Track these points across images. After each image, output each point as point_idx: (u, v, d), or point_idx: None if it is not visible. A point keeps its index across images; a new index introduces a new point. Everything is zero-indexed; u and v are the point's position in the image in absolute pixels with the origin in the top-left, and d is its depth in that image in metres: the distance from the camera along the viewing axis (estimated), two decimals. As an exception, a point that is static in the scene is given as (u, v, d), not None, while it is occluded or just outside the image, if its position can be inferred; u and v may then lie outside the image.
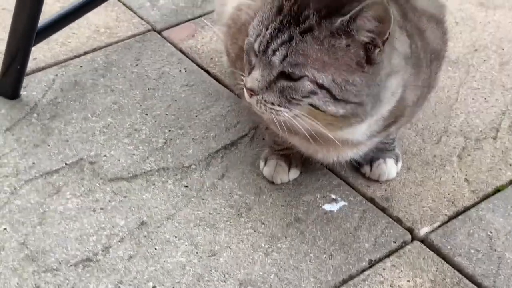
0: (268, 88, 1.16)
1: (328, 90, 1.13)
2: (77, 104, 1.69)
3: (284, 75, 1.14)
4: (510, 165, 1.55)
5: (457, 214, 1.44)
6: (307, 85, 1.13)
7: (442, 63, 1.45)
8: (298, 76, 1.13)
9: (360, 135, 1.29)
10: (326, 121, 1.19)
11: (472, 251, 1.36)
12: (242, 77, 1.25)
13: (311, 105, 1.15)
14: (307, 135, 1.22)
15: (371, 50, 1.13)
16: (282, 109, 1.16)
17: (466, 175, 1.53)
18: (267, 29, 1.15)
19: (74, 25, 1.89)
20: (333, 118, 1.18)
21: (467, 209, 1.45)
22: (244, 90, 1.20)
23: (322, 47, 1.12)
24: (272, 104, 1.16)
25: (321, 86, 1.13)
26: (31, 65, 1.73)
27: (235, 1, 1.44)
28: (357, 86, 1.14)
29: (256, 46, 1.16)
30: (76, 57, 1.84)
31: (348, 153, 1.37)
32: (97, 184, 1.48)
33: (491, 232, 1.40)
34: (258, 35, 1.16)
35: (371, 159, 1.50)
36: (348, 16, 1.10)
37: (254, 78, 1.16)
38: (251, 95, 1.18)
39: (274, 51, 1.13)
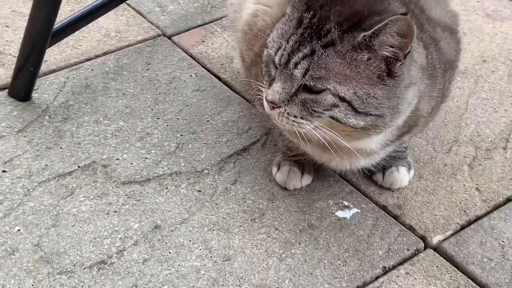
0: (290, 101, 1.16)
1: (349, 103, 1.14)
2: (89, 107, 1.69)
3: (305, 88, 1.14)
4: (520, 175, 1.56)
5: (469, 223, 1.45)
6: (329, 98, 1.14)
7: (455, 73, 1.46)
8: (319, 89, 1.13)
9: (374, 144, 1.30)
10: (345, 132, 1.20)
11: (485, 260, 1.37)
12: (261, 88, 1.25)
13: (332, 117, 1.16)
14: (324, 144, 1.22)
15: (392, 63, 1.14)
16: (304, 121, 1.17)
17: (477, 184, 1.54)
18: (287, 42, 1.15)
19: (84, 28, 1.90)
20: (352, 130, 1.19)
21: (479, 218, 1.46)
22: (264, 102, 1.20)
23: (344, 61, 1.12)
24: (295, 116, 1.16)
25: (342, 99, 1.13)
26: (42, 68, 1.72)
27: (251, 8, 1.45)
28: (378, 99, 1.15)
29: (276, 59, 1.16)
30: (87, 60, 1.84)
31: (361, 162, 1.38)
32: (110, 187, 1.48)
33: (503, 241, 1.41)
34: (278, 48, 1.16)
35: (384, 167, 1.50)
36: (371, 31, 1.10)
37: (275, 91, 1.16)
38: (272, 108, 1.18)
39: (296, 65, 1.13)
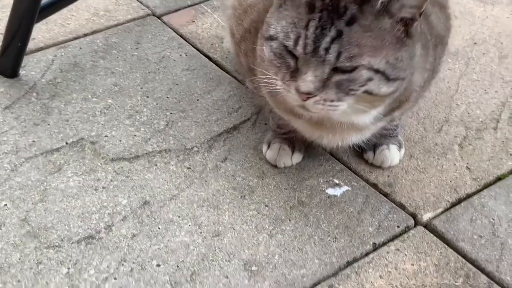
0: (324, 87, 1.12)
1: (383, 73, 1.12)
2: (77, 84, 1.67)
3: (336, 69, 1.12)
4: (510, 154, 1.56)
5: (460, 201, 1.45)
6: (364, 74, 1.11)
7: (445, 49, 1.46)
8: (353, 67, 1.11)
9: (368, 118, 1.29)
10: (369, 103, 1.19)
11: (475, 237, 1.37)
12: (268, 80, 1.19)
13: (366, 91, 1.14)
14: (317, 120, 1.21)
15: (410, 24, 1.13)
16: (340, 103, 1.14)
17: (467, 163, 1.53)
18: (307, 29, 1.10)
19: (72, 7, 1.88)
20: (376, 99, 1.17)
21: (469, 196, 1.46)
22: (291, 95, 1.15)
23: (371, 33, 1.10)
24: (331, 101, 1.13)
25: (377, 71, 1.12)
26: (29, 45, 1.70)
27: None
28: (405, 61, 1.14)
29: (299, 49, 1.11)
30: (75, 38, 1.82)
31: (353, 138, 1.37)
32: (99, 164, 1.46)
33: (493, 219, 1.40)
34: (297, 37, 1.11)
35: (374, 145, 1.50)
36: None
37: (308, 81, 1.11)
38: (307, 98, 1.14)
39: (326, 50, 1.09)
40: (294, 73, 1.14)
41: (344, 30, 1.09)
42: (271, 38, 1.16)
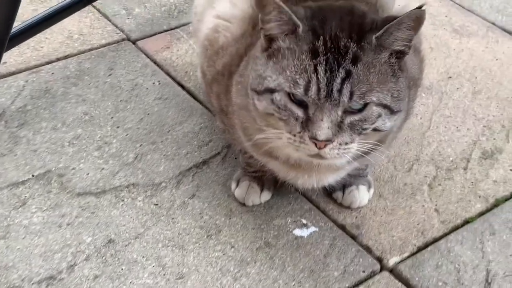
0: (339, 131, 1.11)
1: (389, 108, 1.13)
2: (47, 112, 1.65)
3: (347, 111, 1.11)
4: (479, 197, 1.56)
5: (426, 245, 1.45)
6: (375, 111, 1.12)
7: (417, 91, 1.46)
8: (362, 106, 1.11)
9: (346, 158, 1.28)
10: (372, 140, 1.18)
11: (440, 283, 1.36)
12: (271, 135, 1.16)
13: (374, 129, 1.14)
14: (295, 161, 1.20)
15: (401, 57, 1.14)
16: (353, 145, 1.13)
17: (436, 205, 1.53)
18: (316, 74, 1.08)
19: (47, 29, 1.86)
20: (379, 136, 1.18)
21: (436, 240, 1.46)
22: (303, 146, 1.12)
23: (374, 68, 1.10)
24: (346, 144, 1.12)
25: (385, 106, 1.12)
26: (1, 69, 1.68)
27: (211, 22, 1.41)
28: (403, 92, 1.15)
29: (312, 94, 1.09)
30: (48, 63, 1.81)
31: (329, 178, 1.35)
32: (64, 199, 1.45)
33: (458, 265, 1.40)
34: (308, 83, 1.09)
35: (344, 185, 1.49)
36: (382, 31, 1.10)
37: (325, 127, 1.09)
38: (325, 146, 1.11)
39: (339, 91, 1.08)
40: (306, 123, 1.11)
41: (352, 69, 1.09)
42: (271, 91, 1.12)
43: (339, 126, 1.11)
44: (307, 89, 1.09)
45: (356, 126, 1.12)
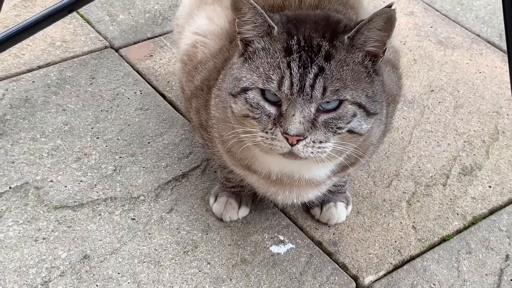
0: (313, 128, 1.11)
1: (364, 108, 1.13)
2: (26, 122, 1.64)
3: (321, 110, 1.11)
4: (457, 214, 1.57)
5: (403, 263, 1.45)
6: (349, 109, 1.12)
7: (396, 108, 1.46)
8: (337, 104, 1.11)
9: (324, 172, 1.28)
10: (347, 145, 1.17)
11: (415, 303, 1.37)
12: (245, 135, 1.16)
13: (349, 130, 1.13)
14: (276, 176, 1.21)
15: (375, 60, 1.14)
16: (327, 144, 1.13)
17: (413, 222, 1.54)
18: (290, 69, 1.10)
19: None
20: (354, 139, 1.16)
21: (412, 258, 1.46)
22: (278, 142, 1.12)
23: (347, 67, 1.11)
24: (320, 142, 1.12)
25: (359, 105, 1.12)
26: (-19, 77, 1.68)
27: (189, 38, 1.41)
28: (378, 95, 1.15)
29: (285, 89, 1.10)
30: (29, 71, 1.80)
31: (309, 194, 1.35)
32: (41, 212, 1.44)
33: (434, 284, 1.41)
34: (281, 78, 1.10)
35: (322, 201, 1.49)
36: (353, 31, 1.11)
37: (297, 122, 1.10)
38: (297, 142, 1.11)
39: (312, 86, 1.09)
40: (278, 119, 1.12)
41: (324, 65, 1.10)
42: (245, 90, 1.14)
43: (312, 124, 1.11)
44: (280, 84, 1.11)
45: (331, 124, 1.12)
